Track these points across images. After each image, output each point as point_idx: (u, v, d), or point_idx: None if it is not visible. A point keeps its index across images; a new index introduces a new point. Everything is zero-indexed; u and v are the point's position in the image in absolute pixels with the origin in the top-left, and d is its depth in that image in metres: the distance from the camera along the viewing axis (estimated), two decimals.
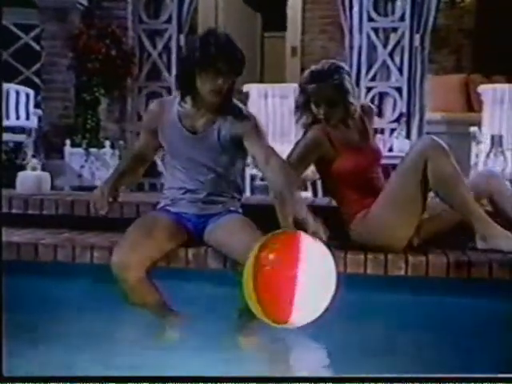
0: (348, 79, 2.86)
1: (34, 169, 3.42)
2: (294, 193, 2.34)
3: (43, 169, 3.75)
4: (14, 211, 3.22)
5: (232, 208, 2.73)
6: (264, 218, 2.59)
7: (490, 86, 4.89)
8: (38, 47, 5.37)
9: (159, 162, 5.02)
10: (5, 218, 3.09)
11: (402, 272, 2.71)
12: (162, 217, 2.73)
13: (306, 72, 2.89)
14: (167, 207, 2.78)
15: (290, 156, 2.87)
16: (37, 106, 5.11)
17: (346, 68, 2.92)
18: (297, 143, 2.93)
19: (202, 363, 2.16)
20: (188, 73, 2.60)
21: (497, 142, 3.12)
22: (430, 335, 2.41)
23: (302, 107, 2.90)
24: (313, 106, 2.86)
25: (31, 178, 3.46)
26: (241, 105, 2.75)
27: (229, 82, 2.59)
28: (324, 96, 2.81)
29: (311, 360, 2.21)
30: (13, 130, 4.77)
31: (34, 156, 3.35)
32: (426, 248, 2.83)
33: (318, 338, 2.40)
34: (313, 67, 2.89)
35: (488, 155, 3.17)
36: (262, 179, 2.86)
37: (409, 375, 1.92)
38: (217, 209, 2.72)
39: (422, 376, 1.92)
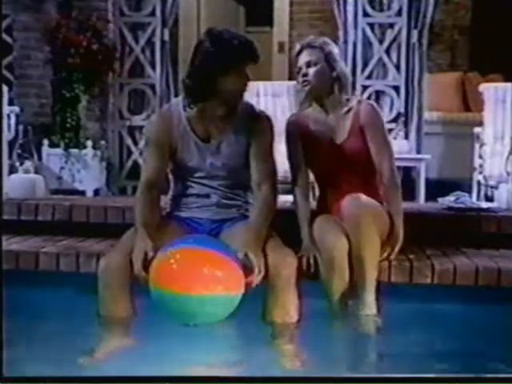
0: (335, 50, 3.02)
1: (27, 171, 3.39)
2: (260, 234, 2.59)
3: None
4: (5, 217, 3.20)
5: (247, 213, 2.78)
6: (281, 223, 2.65)
7: (492, 84, 5.00)
8: (9, 39, 5.33)
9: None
10: None
11: (428, 280, 2.79)
12: (166, 223, 2.75)
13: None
14: (176, 213, 2.81)
15: (289, 155, 3.04)
16: (9, 102, 5.08)
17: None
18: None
19: None
20: (208, 79, 2.63)
21: None
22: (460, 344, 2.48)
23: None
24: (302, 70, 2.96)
25: (24, 181, 3.42)
26: (256, 106, 2.81)
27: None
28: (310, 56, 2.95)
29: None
30: None
31: (26, 158, 3.31)
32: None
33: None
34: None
35: (508, 157, 3.25)
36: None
37: (408, 375, 1.99)
38: (231, 213, 2.77)
39: (422, 376, 1.98)
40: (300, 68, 2.97)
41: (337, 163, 2.96)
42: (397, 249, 2.82)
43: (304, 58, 2.96)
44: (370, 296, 2.69)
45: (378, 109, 3.08)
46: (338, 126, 2.98)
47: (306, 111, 3.06)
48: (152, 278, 2.46)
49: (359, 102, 3.04)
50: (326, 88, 2.98)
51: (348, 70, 3.09)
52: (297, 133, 3.01)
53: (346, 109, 2.99)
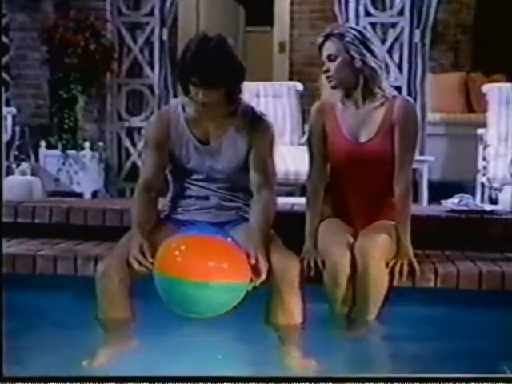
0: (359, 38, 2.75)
1: (23, 173, 3.39)
2: (263, 235, 2.60)
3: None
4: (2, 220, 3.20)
5: (247, 215, 2.76)
6: (281, 225, 2.64)
7: (496, 85, 5.01)
8: (5, 39, 5.32)
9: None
10: None
11: (432, 284, 2.79)
12: (164, 225, 2.75)
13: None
14: (174, 216, 2.81)
15: (308, 144, 2.90)
16: (6, 103, 5.08)
17: None
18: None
19: None
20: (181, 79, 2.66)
21: None
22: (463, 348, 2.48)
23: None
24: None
25: (21, 183, 3.42)
26: (258, 110, 2.80)
27: (215, 94, 2.58)
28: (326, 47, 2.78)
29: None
30: None
31: (23, 159, 3.31)
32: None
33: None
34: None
35: None
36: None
37: (408, 375, 1.99)
38: (231, 215, 2.77)
39: (422, 376, 1.99)
40: (323, 62, 2.78)
41: (355, 163, 2.78)
42: (405, 268, 2.73)
43: (325, 51, 2.77)
44: (370, 316, 2.69)
45: (415, 107, 2.87)
46: (367, 122, 2.78)
47: (335, 99, 2.84)
48: (162, 264, 2.45)
49: (394, 96, 2.83)
50: (351, 82, 2.76)
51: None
52: (321, 121, 2.84)
53: (378, 102, 2.78)
